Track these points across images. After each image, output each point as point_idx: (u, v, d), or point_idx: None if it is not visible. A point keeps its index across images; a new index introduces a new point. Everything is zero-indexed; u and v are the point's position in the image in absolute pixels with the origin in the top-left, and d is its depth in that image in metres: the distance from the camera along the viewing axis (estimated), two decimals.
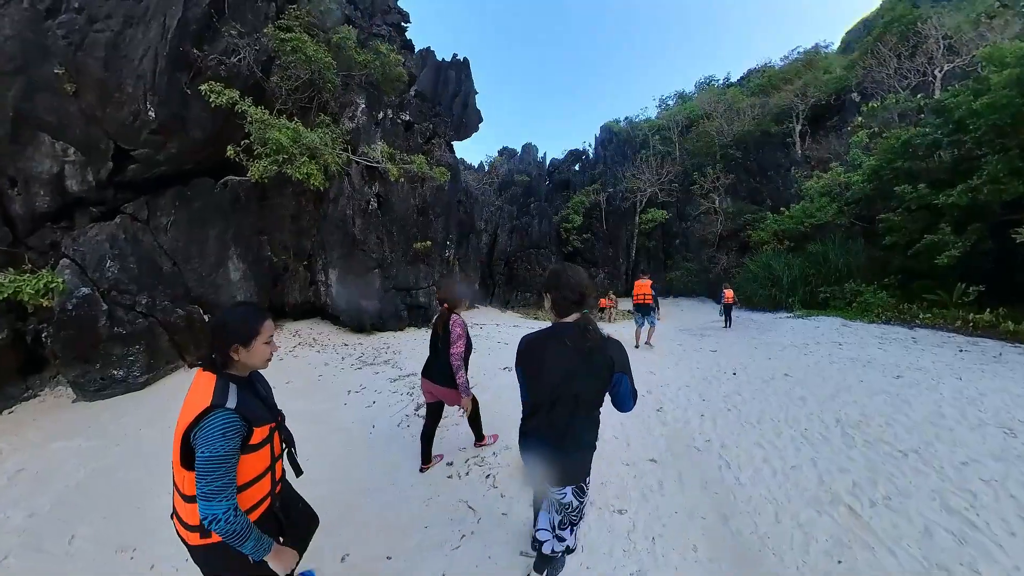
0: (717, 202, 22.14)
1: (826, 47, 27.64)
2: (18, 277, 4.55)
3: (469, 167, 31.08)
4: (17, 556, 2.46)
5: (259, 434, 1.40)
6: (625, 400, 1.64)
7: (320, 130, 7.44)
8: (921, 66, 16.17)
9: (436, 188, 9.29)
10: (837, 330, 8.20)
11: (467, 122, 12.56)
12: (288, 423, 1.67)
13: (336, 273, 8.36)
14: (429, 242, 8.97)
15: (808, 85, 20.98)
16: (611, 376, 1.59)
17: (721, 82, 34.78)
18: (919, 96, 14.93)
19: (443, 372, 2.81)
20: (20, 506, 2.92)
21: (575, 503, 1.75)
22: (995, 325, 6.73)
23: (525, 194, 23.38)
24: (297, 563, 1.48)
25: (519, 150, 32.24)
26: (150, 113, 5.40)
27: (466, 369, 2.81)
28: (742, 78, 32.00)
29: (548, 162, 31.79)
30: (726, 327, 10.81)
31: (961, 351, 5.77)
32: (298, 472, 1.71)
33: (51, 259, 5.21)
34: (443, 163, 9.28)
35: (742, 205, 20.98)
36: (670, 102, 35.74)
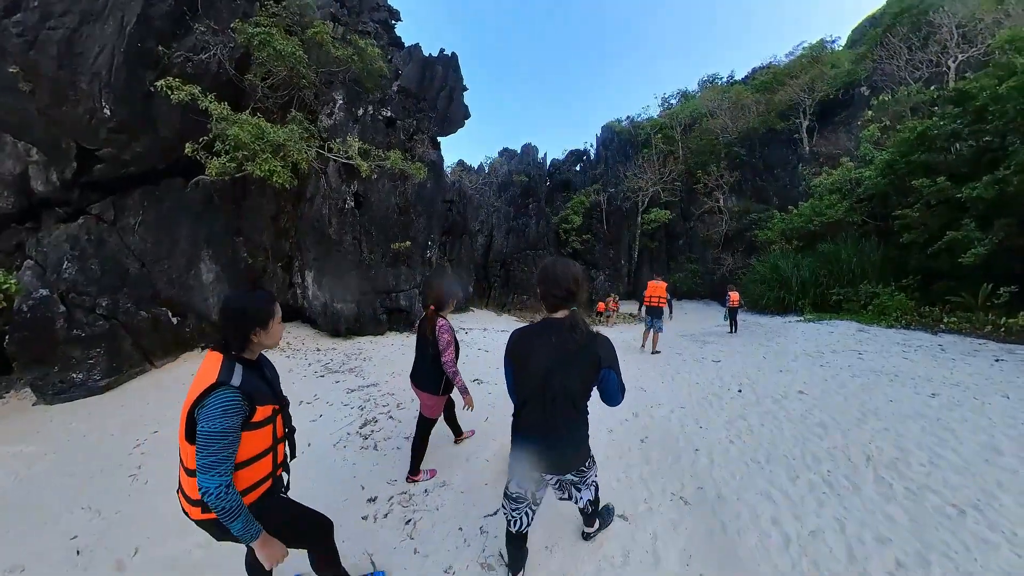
0: (722, 201, 21.48)
1: (832, 42, 26.71)
2: None
3: (469, 168, 30.68)
4: None
5: (262, 412, 1.42)
6: (613, 395, 1.63)
7: (291, 126, 7.00)
8: (934, 56, 15.47)
9: (418, 186, 8.78)
10: (854, 336, 7.52)
11: (452, 117, 12.04)
12: None
13: (312, 275, 7.92)
14: (408, 242, 8.46)
15: (815, 80, 20.23)
16: (597, 372, 1.59)
17: (725, 80, 34.05)
18: (932, 88, 14.24)
19: (426, 376, 2.75)
20: None
21: (577, 479, 1.78)
22: None
23: (524, 194, 22.77)
24: (284, 557, 1.43)
25: (519, 151, 31.78)
26: (106, 111, 5.20)
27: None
28: (747, 77, 31.17)
29: (549, 162, 31.22)
30: (731, 332, 10.18)
31: (997, 361, 5.11)
32: (292, 454, 1.74)
33: (17, 260, 5.21)
34: (425, 160, 8.76)
35: (748, 204, 20.35)
36: (673, 101, 35.06)
